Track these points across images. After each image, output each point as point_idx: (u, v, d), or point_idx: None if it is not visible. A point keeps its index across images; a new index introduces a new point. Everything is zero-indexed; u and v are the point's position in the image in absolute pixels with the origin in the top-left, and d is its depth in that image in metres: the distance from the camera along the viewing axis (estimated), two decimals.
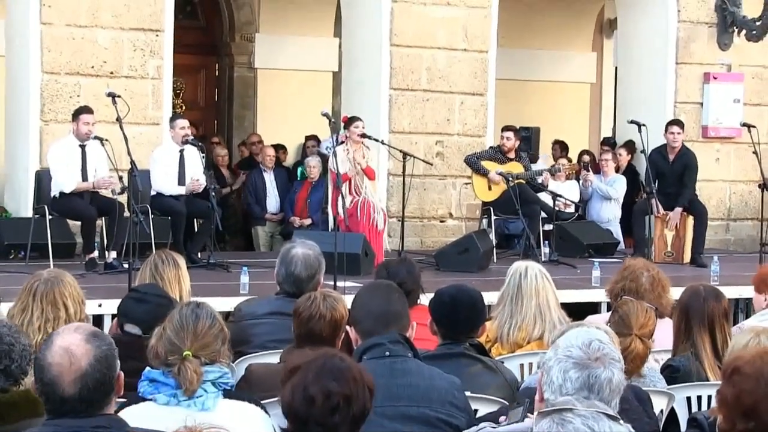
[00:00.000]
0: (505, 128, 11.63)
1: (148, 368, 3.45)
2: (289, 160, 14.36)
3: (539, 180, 11.59)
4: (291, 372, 2.93)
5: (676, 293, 5.49)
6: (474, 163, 11.40)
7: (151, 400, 3.38)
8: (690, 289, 5.09)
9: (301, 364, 2.93)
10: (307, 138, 13.84)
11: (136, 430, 2.95)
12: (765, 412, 2.81)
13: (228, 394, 3.45)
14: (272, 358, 4.64)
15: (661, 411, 4.54)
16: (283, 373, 2.98)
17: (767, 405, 2.82)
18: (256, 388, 3.87)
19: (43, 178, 9.84)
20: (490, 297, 5.91)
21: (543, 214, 11.50)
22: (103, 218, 9.70)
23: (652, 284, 5.57)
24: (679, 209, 11.37)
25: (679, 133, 11.43)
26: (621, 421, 2.19)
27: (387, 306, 3.82)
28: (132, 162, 8.98)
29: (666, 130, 11.51)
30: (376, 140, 10.82)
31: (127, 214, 9.28)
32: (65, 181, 9.48)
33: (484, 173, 11.30)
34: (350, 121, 10.66)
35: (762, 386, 2.84)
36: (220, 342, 3.48)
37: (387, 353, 3.68)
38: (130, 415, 3.27)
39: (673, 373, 4.87)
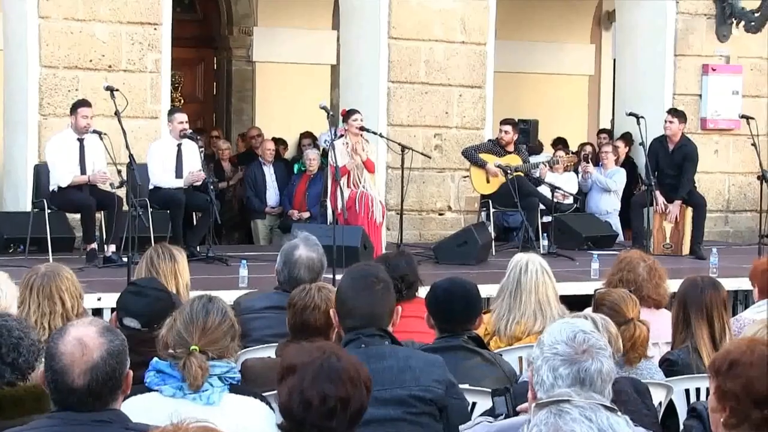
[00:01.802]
0: (504, 121, 11.63)
1: (155, 359, 3.47)
2: (288, 153, 14.35)
3: (536, 173, 11.59)
4: (288, 370, 2.93)
5: (674, 285, 5.49)
6: (472, 155, 11.39)
7: (157, 390, 3.40)
8: (688, 280, 5.10)
9: (297, 363, 2.93)
10: (302, 135, 13.84)
11: (138, 426, 2.95)
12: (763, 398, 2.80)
13: (234, 388, 3.46)
14: (269, 351, 4.65)
15: (660, 403, 4.54)
16: (279, 370, 2.98)
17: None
18: (252, 384, 3.87)
19: (41, 172, 9.84)
20: (488, 290, 5.93)
21: (542, 207, 11.51)
22: (102, 212, 9.70)
23: (650, 273, 5.57)
24: (678, 201, 11.37)
25: (671, 122, 11.42)
26: (618, 413, 2.20)
27: (370, 308, 3.78)
28: (130, 156, 8.98)
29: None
30: (375, 133, 10.82)
31: (126, 207, 9.28)
32: (62, 175, 9.48)
33: (482, 165, 11.30)
34: (349, 114, 10.66)
35: (756, 370, 2.83)
36: (229, 338, 3.49)
37: (363, 346, 3.70)
38: (136, 404, 3.29)
39: (671, 366, 4.87)
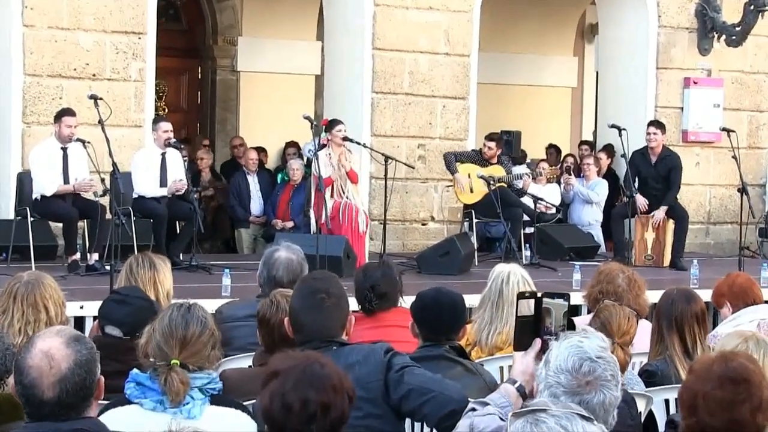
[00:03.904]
0: (488, 137, 11.69)
1: (135, 370, 3.44)
2: (271, 163, 14.37)
3: (519, 184, 11.65)
4: (271, 375, 2.94)
5: (654, 296, 5.53)
6: (449, 159, 11.47)
7: (137, 403, 3.37)
8: (665, 292, 5.15)
9: (281, 368, 2.94)
10: (287, 145, 13.87)
11: None
12: (700, 408, 2.87)
13: (215, 399, 3.44)
14: (250, 360, 4.66)
15: (639, 413, 4.57)
16: (264, 376, 2.99)
17: (702, 401, 2.88)
18: (230, 394, 3.87)
19: (24, 180, 9.83)
20: (471, 300, 5.94)
21: (524, 217, 11.56)
22: (85, 220, 9.70)
23: (629, 284, 5.59)
24: (664, 208, 11.43)
25: (655, 134, 11.52)
26: (594, 422, 2.23)
27: (319, 324, 3.78)
28: (114, 164, 8.98)
29: (645, 131, 11.62)
30: (359, 143, 10.85)
31: (109, 216, 9.28)
32: (46, 184, 9.48)
33: (453, 172, 11.39)
34: (332, 124, 10.69)
35: (699, 384, 2.90)
36: (209, 347, 3.46)
37: None
38: (116, 417, 3.28)
39: (650, 378, 4.90)
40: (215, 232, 13.32)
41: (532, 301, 3.28)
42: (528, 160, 13.81)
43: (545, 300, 3.27)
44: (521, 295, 3.32)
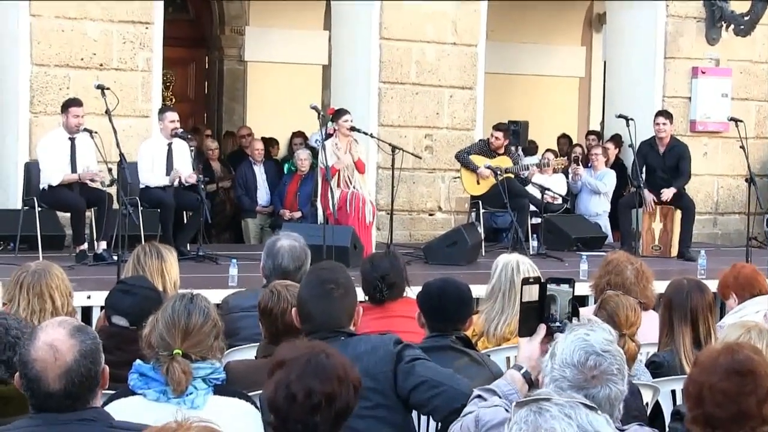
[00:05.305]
0: (496, 127, 11.65)
1: (138, 361, 3.44)
2: (280, 153, 14.38)
3: (525, 175, 11.64)
4: (277, 366, 2.95)
5: (662, 287, 5.52)
6: (464, 159, 11.44)
7: (141, 394, 3.38)
8: (674, 283, 5.12)
9: (287, 358, 2.94)
10: (294, 135, 13.87)
11: (122, 424, 2.96)
12: (706, 400, 2.88)
13: (219, 389, 3.44)
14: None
15: (646, 404, 4.57)
16: (270, 366, 2.99)
17: (709, 393, 2.88)
18: (235, 386, 3.87)
19: (32, 170, 9.84)
20: (477, 290, 5.94)
21: (532, 208, 11.55)
22: (93, 210, 9.71)
23: (637, 276, 5.59)
24: (673, 189, 11.39)
25: (664, 124, 11.49)
26: (598, 411, 2.23)
27: (327, 314, 3.77)
28: (121, 154, 8.99)
29: (654, 122, 11.60)
30: (366, 133, 10.84)
31: (116, 206, 9.29)
32: (52, 174, 9.49)
33: (474, 169, 11.35)
34: (338, 114, 10.67)
35: (705, 375, 2.90)
36: (212, 338, 3.46)
37: None
38: (120, 407, 3.27)
39: (657, 369, 4.90)
40: (234, 222, 13.33)
41: (536, 287, 3.27)
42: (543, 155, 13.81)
43: (550, 287, 3.27)
44: (525, 281, 3.32)
